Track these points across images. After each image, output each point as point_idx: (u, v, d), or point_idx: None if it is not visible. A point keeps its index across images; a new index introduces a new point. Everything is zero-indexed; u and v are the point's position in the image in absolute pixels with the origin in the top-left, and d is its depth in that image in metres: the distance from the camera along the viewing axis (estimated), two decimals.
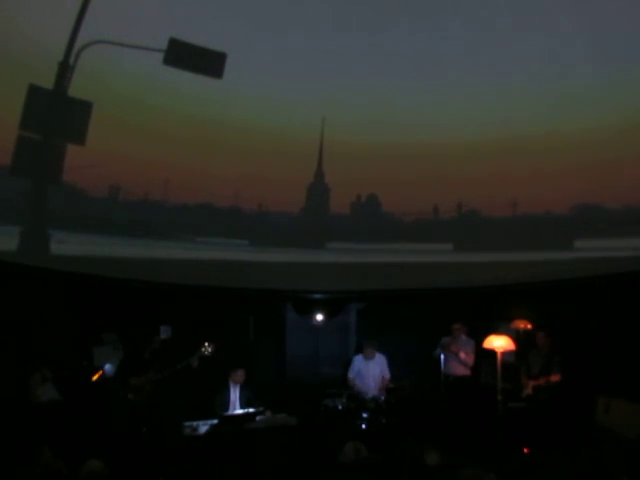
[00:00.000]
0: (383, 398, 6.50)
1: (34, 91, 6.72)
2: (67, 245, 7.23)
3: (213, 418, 5.58)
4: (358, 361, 7.04)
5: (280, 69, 7.72)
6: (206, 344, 6.40)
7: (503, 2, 7.07)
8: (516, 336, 6.92)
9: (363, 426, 6.20)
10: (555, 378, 6.15)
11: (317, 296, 8.39)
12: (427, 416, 6.40)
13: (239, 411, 5.88)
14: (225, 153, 8.10)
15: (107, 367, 6.58)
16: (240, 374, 6.19)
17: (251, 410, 5.72)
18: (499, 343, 6.12)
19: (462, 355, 6.76)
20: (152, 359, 6.60)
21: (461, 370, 6.87)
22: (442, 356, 6.79)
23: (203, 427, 5.45)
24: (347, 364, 7.21)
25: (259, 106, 7.83)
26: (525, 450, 5.53)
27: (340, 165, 8.27)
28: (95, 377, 6.37)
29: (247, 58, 7.49)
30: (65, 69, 6.82)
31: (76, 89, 6.94)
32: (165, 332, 7.51)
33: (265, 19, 7.52)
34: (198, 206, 8.23)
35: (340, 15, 7.52)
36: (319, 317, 8.31)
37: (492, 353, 6.18)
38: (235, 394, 6.15)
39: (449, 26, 7.39)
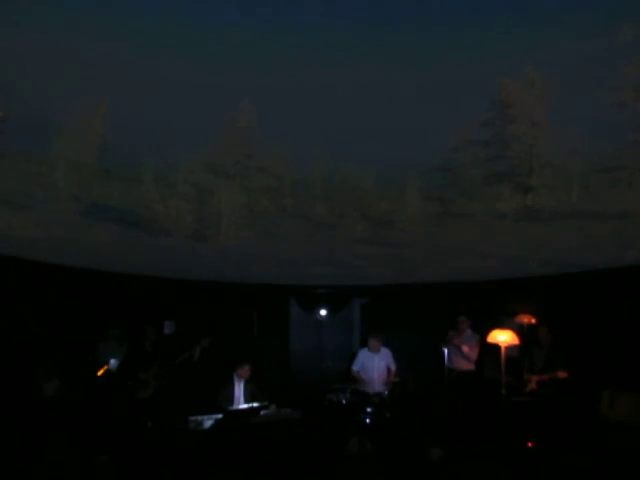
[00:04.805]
0: (387, 393, 6.51)
1: None
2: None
3: (218, 413, 5.61)
4: (363, 354, 7.05)
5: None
6: (205, 337, 6.52)
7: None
8: (520, 331, 6.91)
9: (367, 420, 6.21)
10: (562, 375, 6.13)
11: (321, 291, 8.41)
12: (431, 411, 6.41)
13: (244, 406, 5.88)
14: None
15: (112, 362, 6.60)
16: (246, 369, 6.21)
17: (255, 405, 5.72)
18: (503, 338, 6.11)
19: (465, 349, 6.75)
20: (155, 353, 6.62)
21: (465, 365, 6.86)
22: (446, 350, 6.79)
23: (208, 422, 5.46)
24: (351, 359, 7.23)
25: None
26: (529, 444, 5.53)
27: None
28: (100, 372, 6.41)
29: None
30: None
31: None
32: (169, 327, 7.54)
33: None
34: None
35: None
36: (323, 312, 8.33)
37: (496, 347, 6.17)
38: (240, 389, 6.16)
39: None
